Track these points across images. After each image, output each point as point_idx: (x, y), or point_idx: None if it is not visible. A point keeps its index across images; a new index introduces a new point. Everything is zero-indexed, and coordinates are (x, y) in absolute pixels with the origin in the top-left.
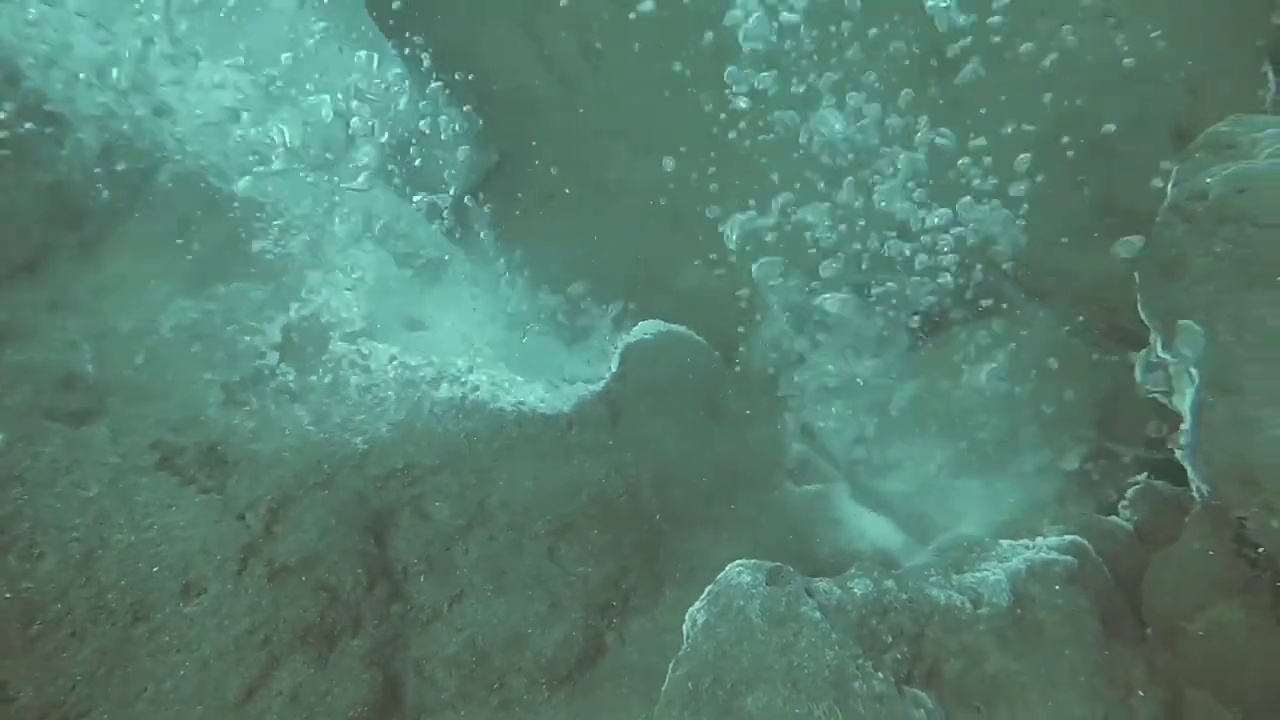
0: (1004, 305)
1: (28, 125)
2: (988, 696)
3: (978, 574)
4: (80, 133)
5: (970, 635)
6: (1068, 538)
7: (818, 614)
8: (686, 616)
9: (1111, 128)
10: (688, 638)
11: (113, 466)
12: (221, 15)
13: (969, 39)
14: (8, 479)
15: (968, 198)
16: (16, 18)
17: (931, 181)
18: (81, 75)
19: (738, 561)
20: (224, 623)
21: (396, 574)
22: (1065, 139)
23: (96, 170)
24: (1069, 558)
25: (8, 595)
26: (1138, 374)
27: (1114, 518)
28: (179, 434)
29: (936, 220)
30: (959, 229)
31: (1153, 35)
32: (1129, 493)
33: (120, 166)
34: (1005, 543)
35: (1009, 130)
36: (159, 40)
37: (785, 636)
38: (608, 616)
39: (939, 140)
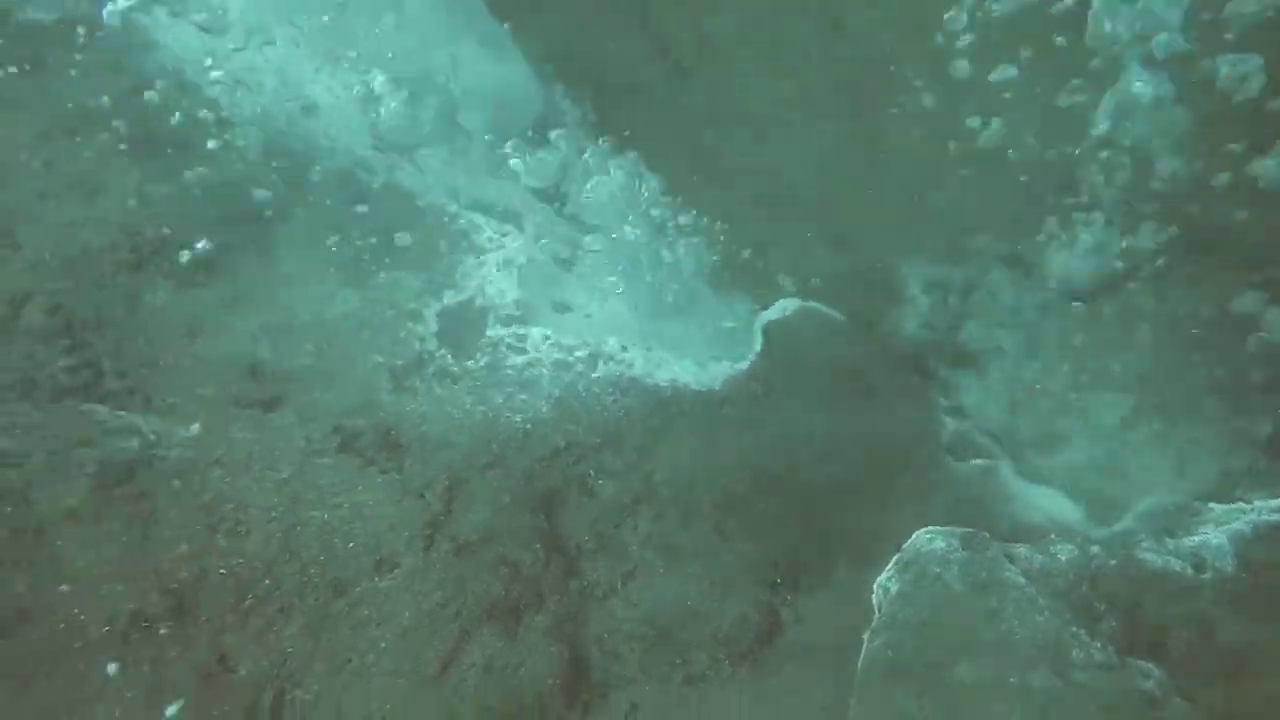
0: (1171, 264)
1: (201, 130)
2: (1225, 668)
3: (1195, 538)
4: (243, 134)
5: (1196, 603)
6: None
7: (1022, 579)
8: (875, 586)
9: None
10: (880, 608)
11: (300, 450)
12: (356, 17)
13: None
14: (209, 463)
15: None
16: (183, 30)
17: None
18: (242, 78)
19: (926, 529)
20: (418, 596)
21: (570, 551)
22: None
23: (259, 169)
24: None
25: (222, 571)
26: None
27: None
28: (355, 418)
29: (1098, 174)
30: (1121, 174)
31: None
32: None
33: (280, 164)
34: (1217, 506)
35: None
36: (303, 44)
37: (990, 603)
38: (781, 593)
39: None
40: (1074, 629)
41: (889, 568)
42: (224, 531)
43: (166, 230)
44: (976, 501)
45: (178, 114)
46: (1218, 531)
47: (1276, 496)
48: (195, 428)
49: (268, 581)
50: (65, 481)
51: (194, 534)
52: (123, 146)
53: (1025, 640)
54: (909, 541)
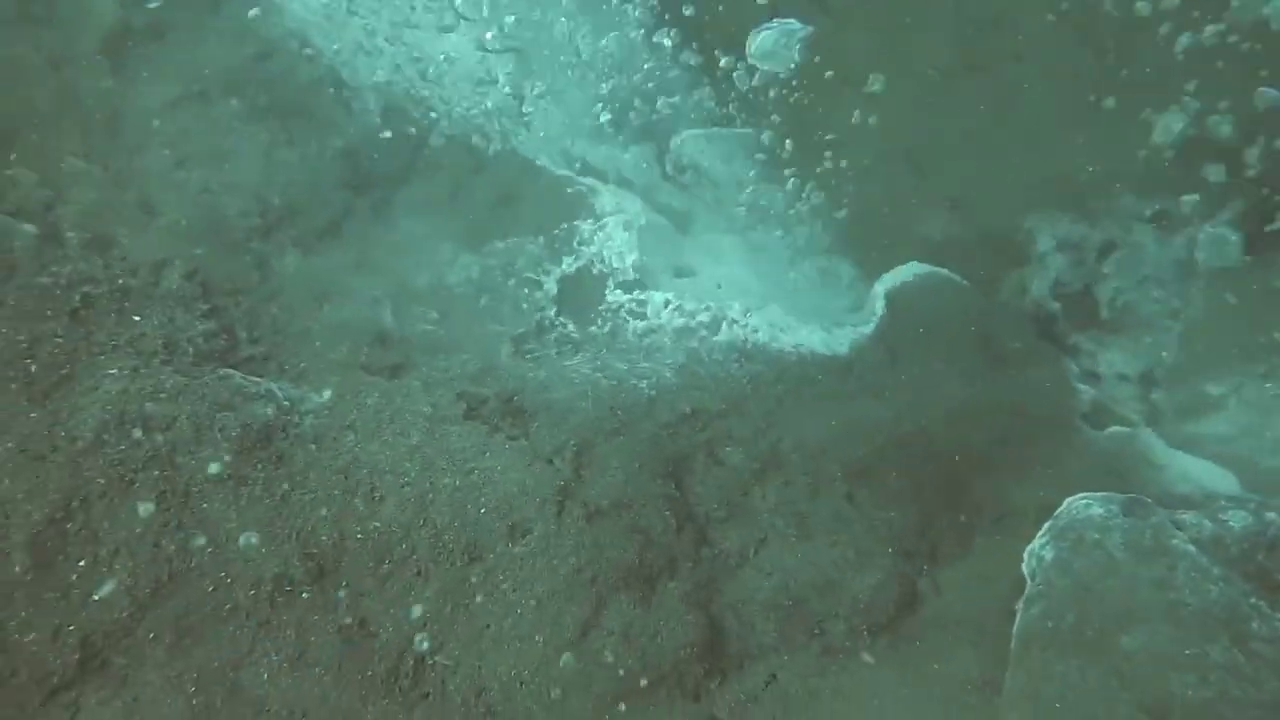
0: None
1: (325, 92)
2: None
3: None
4: (364, 99)
5: None
6: None
7: (1192, 547)
8: (1027, 554)
9: None
10: (1034, 576)
11: (427, 416)
12: None
13: None
14: (342, 428)
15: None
16: None
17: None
18: (362, 43)
19: (1080, 495)
20: (553, 562)
21: (700, 518)
22: None
23: (379, 135)
24: None
25: (359, 535)
26: None
27: None
28: (479, 384)
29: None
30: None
31: None
32: None
33: (399, 130)
34: None
35: None
36: (421, 6)
37: (1158, 571)
38: (916, 563)
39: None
40: (1253, 600)
41: (1041, 534)
42: (361, 496)
43: (293, 196)
44: (1120, 470)
45: (301, 79)
46: None
47: None
48: (327, 394)
49: (404, 546)
50: (209, 446)
51: (331, 498)
52: (250, 112)
53: (1199, 610)
54: (1062, 508)
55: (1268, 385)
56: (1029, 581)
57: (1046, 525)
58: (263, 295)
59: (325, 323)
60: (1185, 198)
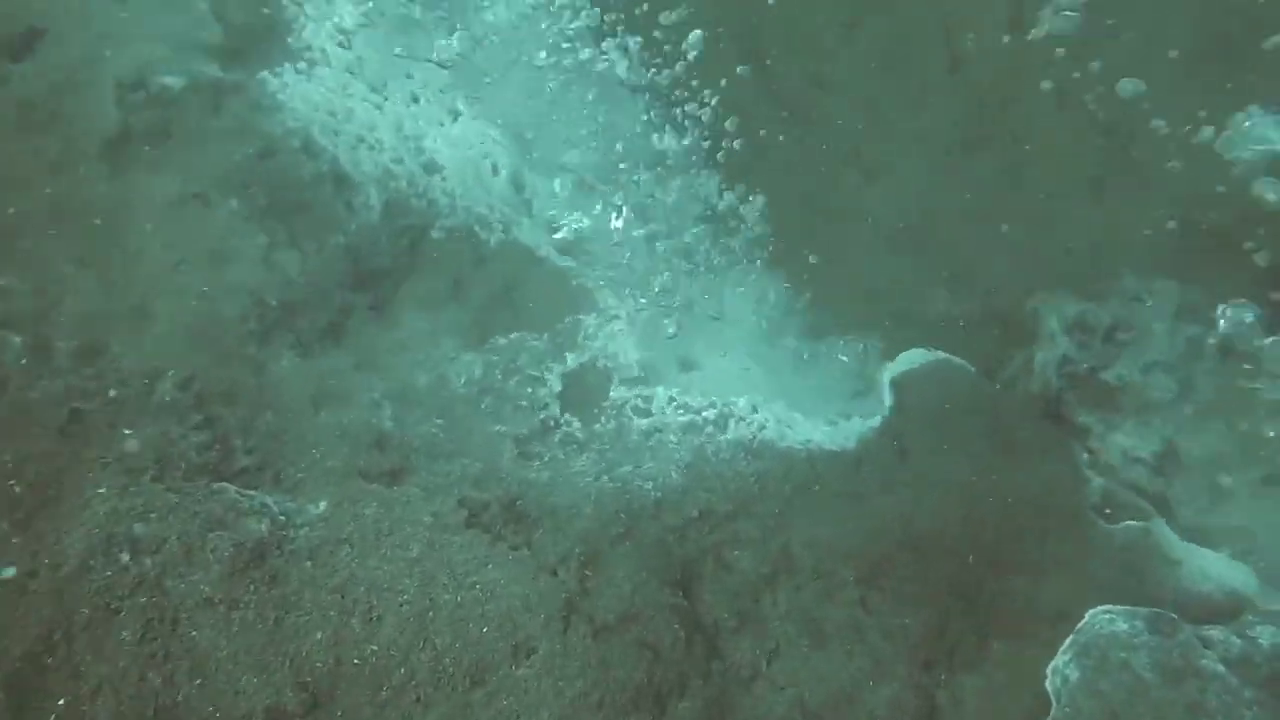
0: None
1: (326, 189)
2: None
3: None
4: (365, 193)
5: None
6: None
7: (1222, 667)
8: (1050, 671)
9: None
10: (1059, 697)
11: (428, 525)
12: (477, 70)
13: None
14: (338, 542)
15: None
16: (307, 88)
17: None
18: (362, 137)
19: (1103, 608)
20: (559, 684)
21: (709, 628)
22: None
23: (380, 230)
24: None
25: (356, 660)
26: None
27: None
28: (481, 489)
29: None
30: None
31: None
32: None
33: (400, 224)
34: None
35: None
36: (423, 98)
37: (1190, 694)
38: (935, 673)
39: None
40: None
41: (1064, 649)
42: (358, 616)
43: (292, 297)
44: (1137, 568)
45: (302, 176)
46: None
47: None
48: (323, 505)
49: (403, 671)
50: (199, 568)
51: (326, 620)
52: (250, 212)
53: None
54: (1084, 622)
55: None
56: (1054, 702)
57: (1069, 640)
58: (259, 402)
59: (323, 428)
60: (1195, 275)
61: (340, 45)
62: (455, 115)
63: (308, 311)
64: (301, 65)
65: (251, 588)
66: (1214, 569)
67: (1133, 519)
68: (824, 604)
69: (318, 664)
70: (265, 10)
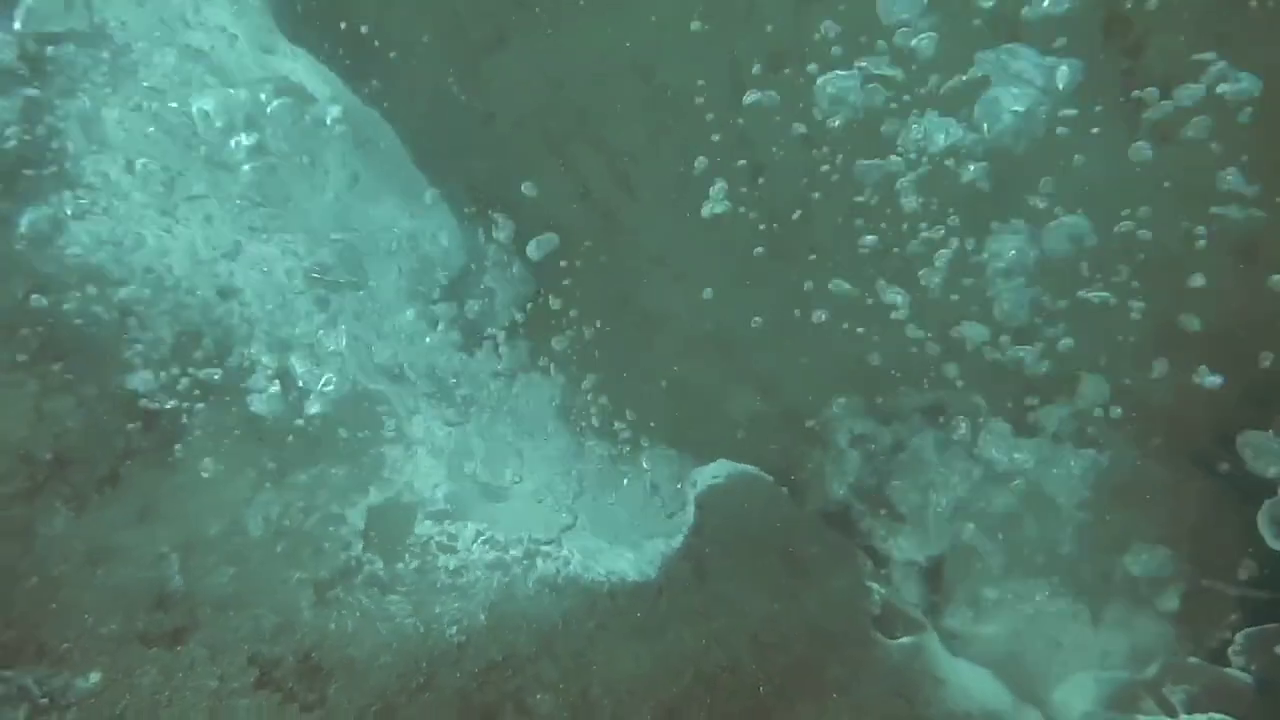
0: (1083, 430)
1: (106, 330)
2: None
3: None
4: (153, 327)
5: None
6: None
7: None
8: None
9: None
10: None
11: (212, 691)
12: (270, 187)
13: None
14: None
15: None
16: (87, 222)
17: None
18: (150, 266)
19: None
20: None
21: None
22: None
23: (168, 365)
24: None
25: None
26: (1263, 526)
27: (1231, 669)
28: (274, 644)
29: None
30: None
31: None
32: (1238, 638)
33: (191, 356)
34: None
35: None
36: (217, 219)
37: None
38: None
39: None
40: None
41: None
42: None
43: (67, 446)
44: (908, 689)
45: (81, 315)
46: None
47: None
48: (95, 677)
49: None
50: None
51: None
52: (22, 358)
53: None
54: None
55: (1043, 582)
56: None
57: None
58: (23, 570)
59: (98, 589)
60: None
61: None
62: (251, 232)
63: (85, 460)
64: (83, 198)
65: None
66: (975, 687)
67: (907, 633)
68: None
69: None
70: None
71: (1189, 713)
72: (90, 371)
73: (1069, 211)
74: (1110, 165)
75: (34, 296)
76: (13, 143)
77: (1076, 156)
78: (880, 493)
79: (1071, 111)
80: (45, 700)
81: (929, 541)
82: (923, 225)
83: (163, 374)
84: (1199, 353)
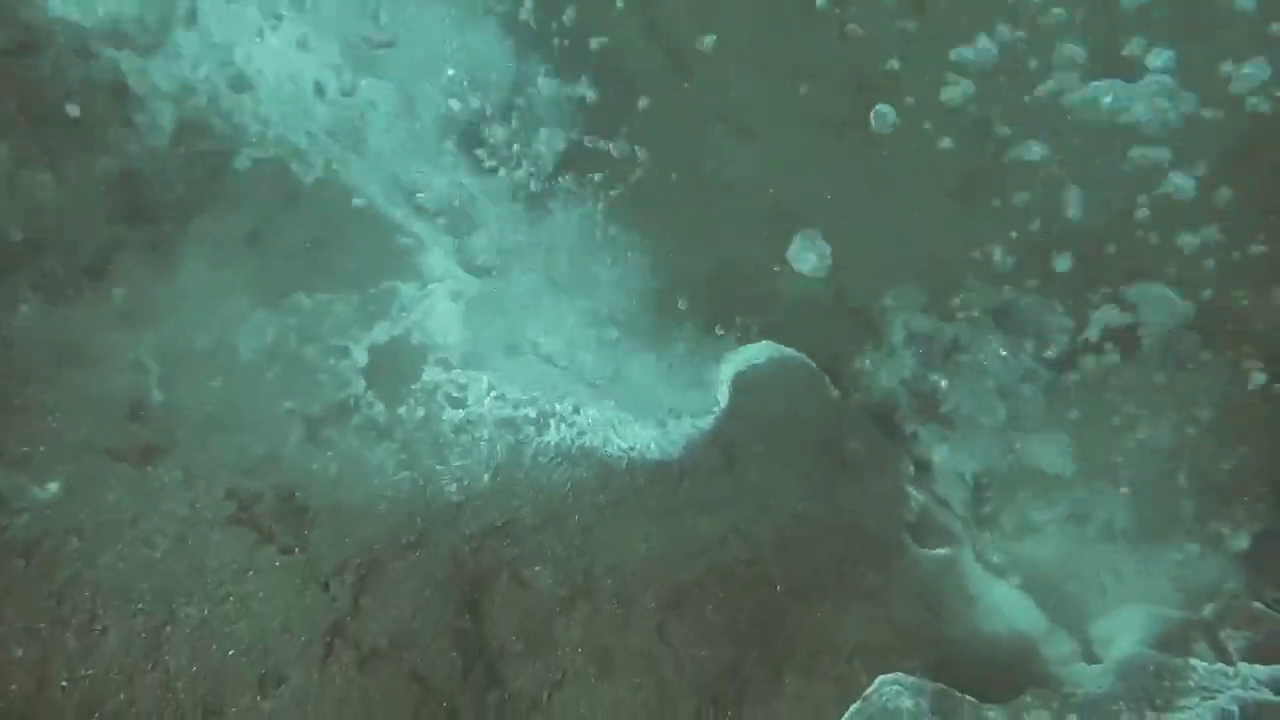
0: (1166, 348)
1: (104, 106)
2: None
3: (1178, 714)
4: (153, 110)
5: None
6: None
7: None
8: None
9: None
10: None
11: (182, 519)
12: None
13: None
14: (65, 532)
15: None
16: None
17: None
18: (155, 43)
19: (893, 678)
20: None
21: (492, 653)
22: None
23: (170, 155)
24: None
25: (65, 684)
26: None
27: None
28: (255, 477)
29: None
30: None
31: None
32: None
33: (195, 149)
34: (1200, 666)
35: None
36: None
37: None
38: (721, 707)
39: None
40: None
41: (850, 715)
42: (75, 629)
43: (43, 229)
44: (936, 605)
45: (69, 80)
46: (1204, 707)
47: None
48: (54, 486)
49: (122, 697)
50: None
51: (34, 634)
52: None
53: None
54: (873, 689)
55: (1099, 508)
56: None
57: (856, 707)
58: None
59: (65, 392)
60: (1037, 300)
61: None
62: (277, 18)
63: (63, 248)
64: None
65: None
66: (1007, 607)
67: (942, 545)
68: (619, 632)
69: (12, 688)
70: None
71: (1246, 660)
72: (75, 148)
73: None
74: None
75: (15, 55)
76: None
77: None
78: (932, 395)
79: None
80: None
81: (979, 453)
82: None
83: (161, 163)
84: None
